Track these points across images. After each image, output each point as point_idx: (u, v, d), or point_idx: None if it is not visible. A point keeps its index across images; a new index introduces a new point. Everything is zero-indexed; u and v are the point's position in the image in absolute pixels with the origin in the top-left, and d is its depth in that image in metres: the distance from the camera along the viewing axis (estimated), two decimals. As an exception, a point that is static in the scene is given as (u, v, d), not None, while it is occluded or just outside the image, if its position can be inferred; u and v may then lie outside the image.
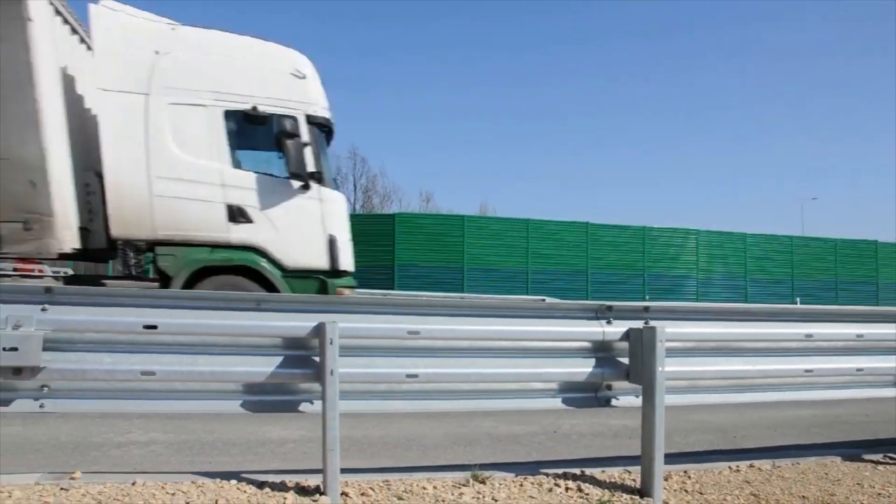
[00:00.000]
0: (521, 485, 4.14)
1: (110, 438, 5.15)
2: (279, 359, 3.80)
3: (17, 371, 3.54)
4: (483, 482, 4.14)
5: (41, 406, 3.69)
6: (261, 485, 3.84)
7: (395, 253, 22.86)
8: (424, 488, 4.02)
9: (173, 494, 3.66)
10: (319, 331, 3.70)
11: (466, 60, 64.79)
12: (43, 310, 3.61)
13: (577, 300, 12.94)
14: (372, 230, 23.20)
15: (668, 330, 4.09)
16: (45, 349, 3.52)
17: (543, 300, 12.97)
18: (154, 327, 3.64)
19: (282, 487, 3.82)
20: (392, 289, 20.07)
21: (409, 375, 3.98)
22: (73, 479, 3.84)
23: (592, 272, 24.03)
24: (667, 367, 4.04)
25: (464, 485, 4.09)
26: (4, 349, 3.45)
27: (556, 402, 4.35)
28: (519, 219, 24.28)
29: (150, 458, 4.71)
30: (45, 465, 4.18)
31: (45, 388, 3.67)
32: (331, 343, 3.60)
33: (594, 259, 24.13)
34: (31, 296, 3.64)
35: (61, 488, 3.68)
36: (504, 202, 71.82)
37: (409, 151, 63.44)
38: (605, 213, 74.72)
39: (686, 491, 4.20)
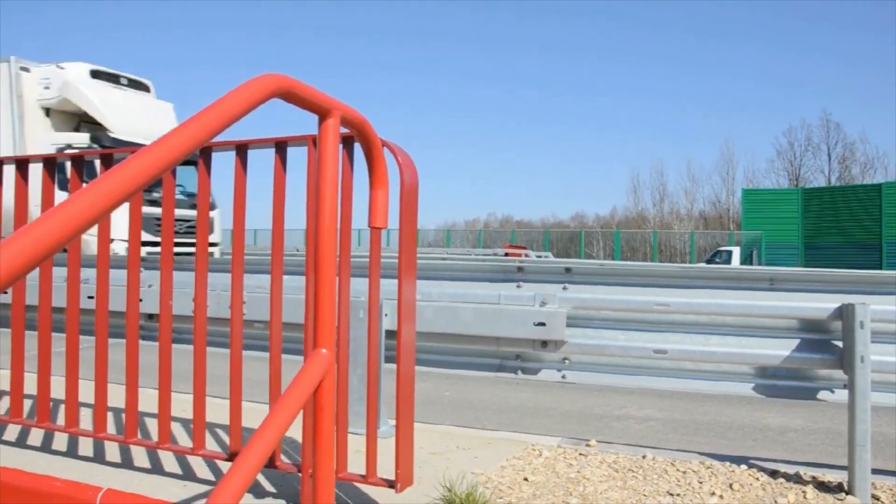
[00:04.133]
0: None
1: (609, 411, 5.47)
2: (794, 342, 3.60)
3: (544, 344, 3.97)
4: None
5: (563, 377, 4.07)
6: (773, 473, 3.68)
7: (882, 227, 20.23)
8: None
9: (684, 473, 3.71)
10: (844, 313, 3.40)
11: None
12: (564, 288, 3.98)
13: None
14: (852, 203, 20.93)
15: None
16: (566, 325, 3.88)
17: None
18: (666, 306, 3.75)
19: (797, 479, 3.60)
20: (879, 268, 17.88)
21: (952, 368, 3.44)
22: (588, 445, 4.16)
23: None
24: None
25: None
26: (534, 324, 3.89)
27: None
28: None
29: (649, 433, 4.86)
30: (557, 430, 4.60)
31: (567, 361, 4.03)
32: (861, 327, 3.28)
33: None
34: (554, 275, 4.04)
35: (580, 453, 3.99)
36: None
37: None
38: None
39: None
